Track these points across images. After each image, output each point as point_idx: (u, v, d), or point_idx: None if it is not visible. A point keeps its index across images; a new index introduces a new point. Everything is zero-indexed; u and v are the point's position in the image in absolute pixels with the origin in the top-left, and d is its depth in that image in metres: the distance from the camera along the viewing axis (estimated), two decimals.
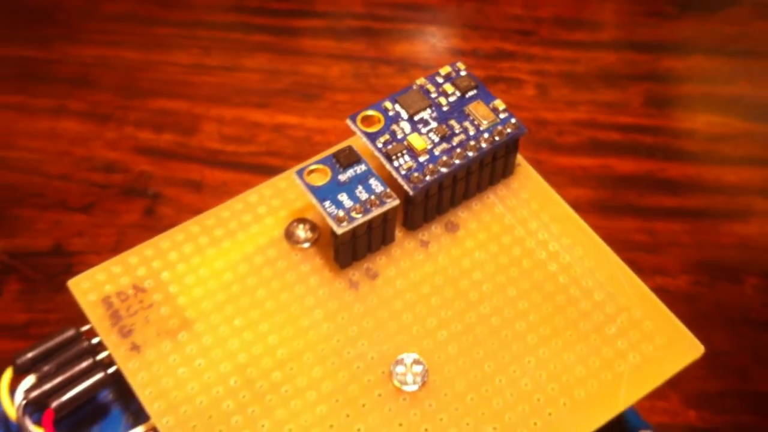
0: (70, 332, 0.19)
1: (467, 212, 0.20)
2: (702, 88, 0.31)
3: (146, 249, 0.20)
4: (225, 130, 0.29)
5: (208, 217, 0.20)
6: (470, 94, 0.20)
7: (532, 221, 0.20)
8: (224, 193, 0.28)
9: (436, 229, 0.20)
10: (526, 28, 0.32)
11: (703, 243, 0.27)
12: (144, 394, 0.18)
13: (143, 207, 0.27)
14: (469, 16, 0.29)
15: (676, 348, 0.19)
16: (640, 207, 0.26)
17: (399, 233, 0.20)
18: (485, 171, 0.20)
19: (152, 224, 0.27)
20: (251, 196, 0.21)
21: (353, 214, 0.18)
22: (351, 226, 0.18)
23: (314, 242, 0.20)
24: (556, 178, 0.22)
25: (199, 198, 0.28)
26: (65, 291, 0.19)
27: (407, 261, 0.20)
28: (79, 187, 0.28)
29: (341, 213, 0.18)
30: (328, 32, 0.32)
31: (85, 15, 0.32)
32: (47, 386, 0.19)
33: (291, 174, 0.20)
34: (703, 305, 0.26)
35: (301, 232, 0.20)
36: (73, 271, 0.23)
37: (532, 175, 0.21)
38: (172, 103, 0.30)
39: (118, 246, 0.26)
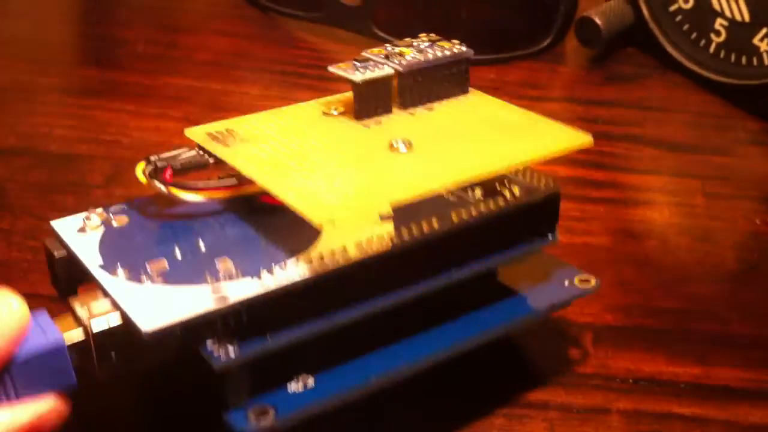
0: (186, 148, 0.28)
1: (439, 105, 0.30)
2: (620, 129, 0.42)
3: (235, 119, 0.29)
4: None
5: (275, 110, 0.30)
6: (438, 42, 0.31)
7: (481, 106, 0.30)
8: None
9: (419, 109, 0.29)
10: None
11: (618, 218, 0.36)
12: (228, 157, 0.27)
13: None
14: None
15: (577, 137, 0.28)
16: (575, 195, 0.34)
17: (395, 109, 0.29)
18: (450, 77, 0.30)
19: None
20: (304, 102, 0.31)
21: (366, 72, 0.28)
22: (364, 77, 0.28)
23: (341, 114, 0.29)
24: None
25: None
26: None
27: (401, 118, 0.29)
28: None
29: (358, 73, 0.28)
30: None
31: (182, 60, 0.44)
32: (166, 161, 0.26)
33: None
34: (617, 254, 0.35)
35: (334, 110, 0.29)
36: None
37: (480, 93, 0.31)
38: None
39: None
